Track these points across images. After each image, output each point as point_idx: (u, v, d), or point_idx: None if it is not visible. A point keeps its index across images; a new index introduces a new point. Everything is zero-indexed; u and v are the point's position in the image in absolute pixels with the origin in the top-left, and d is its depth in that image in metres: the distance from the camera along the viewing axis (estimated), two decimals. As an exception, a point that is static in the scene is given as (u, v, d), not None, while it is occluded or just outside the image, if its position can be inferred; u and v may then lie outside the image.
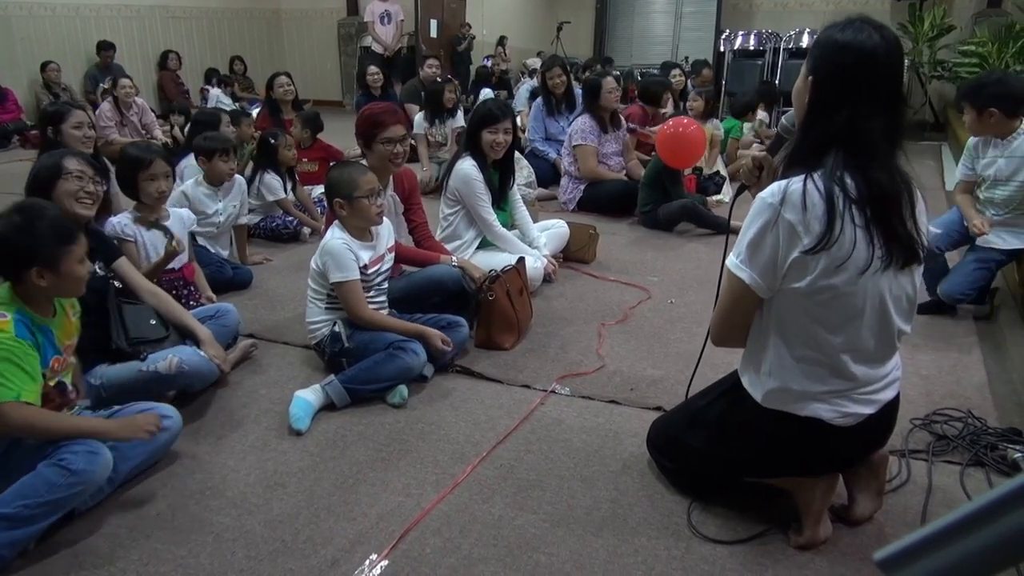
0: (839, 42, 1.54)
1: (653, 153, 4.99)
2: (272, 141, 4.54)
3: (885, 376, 1.70)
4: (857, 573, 1.75)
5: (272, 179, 4.49)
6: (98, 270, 2.41)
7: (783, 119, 1.81)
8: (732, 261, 1.64)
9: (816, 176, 1.53)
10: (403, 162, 3.04)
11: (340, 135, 7.28)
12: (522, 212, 3.79)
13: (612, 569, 1.75)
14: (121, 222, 2.95)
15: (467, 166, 3.40)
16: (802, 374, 1.65)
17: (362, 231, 2.68)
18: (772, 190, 1.56)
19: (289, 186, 4.66)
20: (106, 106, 6.56)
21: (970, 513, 0.60)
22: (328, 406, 2.49)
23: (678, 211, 4.70)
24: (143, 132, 6.70)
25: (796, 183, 1.53)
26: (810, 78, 1.58)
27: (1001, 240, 3.13)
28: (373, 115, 2.96)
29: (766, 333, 1.69)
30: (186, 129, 6.86)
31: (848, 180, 1.52)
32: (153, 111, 7.37)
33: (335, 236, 2.62)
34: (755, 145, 5.84)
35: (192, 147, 3.66)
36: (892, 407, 1.76)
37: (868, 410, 1.67)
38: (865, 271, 1.54)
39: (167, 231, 2.98)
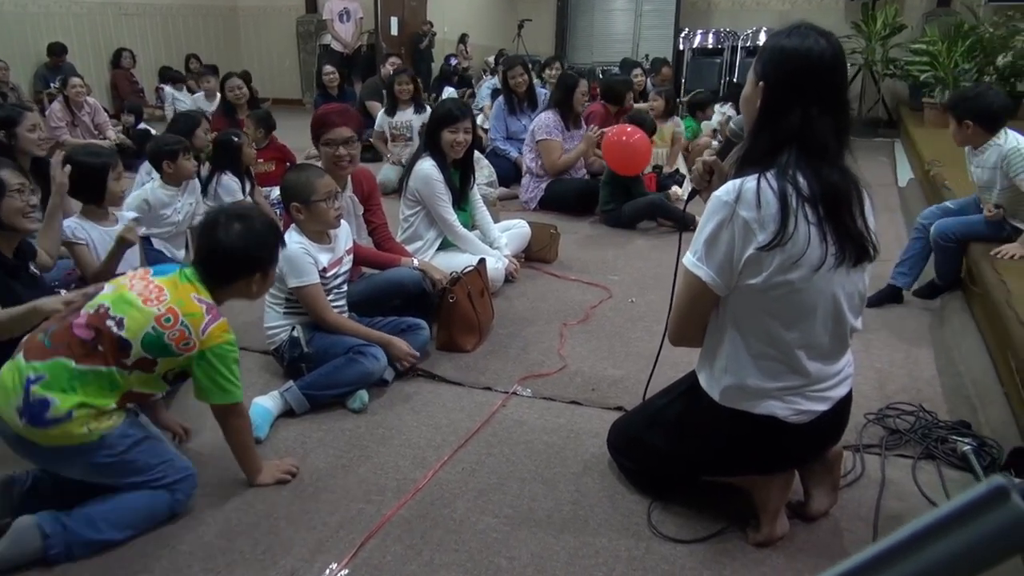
0: (786, 49, 1.57)
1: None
2: (235, 140, 4.47)
3: (838, 373, 1.73)
4: (813, 568, 1.78)
5: (230, 181, 4.40)
6: (34, 269, 2.36)
7: (731, 123, 1.85)
8: (689, 259, 1.66)
9: (769, 175, 1.56)
10: (349, 165, 2.97)
11: (299, 133, 7.20)
12: (482, 212, 3.79)
13: (573, 571, 1.76)
14: (71, 225, 2.88)
15: (427, 166, 3.38)
16: (757, 370, 1.67)
17: (320, 234, 2.65)
18: (727, 188, 1.59)
19: (247, 188, 4.59)
20: (56, 106, 6.39)
21: (896, 544, 0.61)
22: (287, 412, 2.46)
23: (645, 207, 4.77)
24: (95, 132, 6.54)
25: (750, 181, 1.56)
26: (760, 84, 1.60)
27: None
28: (323, 115, 2.93)
29: (722, 330, 1.71)
30: (131, 130, 6.77)
31: (800, 179, 1.55)
32: (106, 110, 7.20)
33: (292, 241, 2.59)
34: (706, 151, 5.92)
35: (150, 153, 3.57)
36: (845, 404, 1.80)
37: (822, 407, 1.71)
38: (819, 268, 1.57)
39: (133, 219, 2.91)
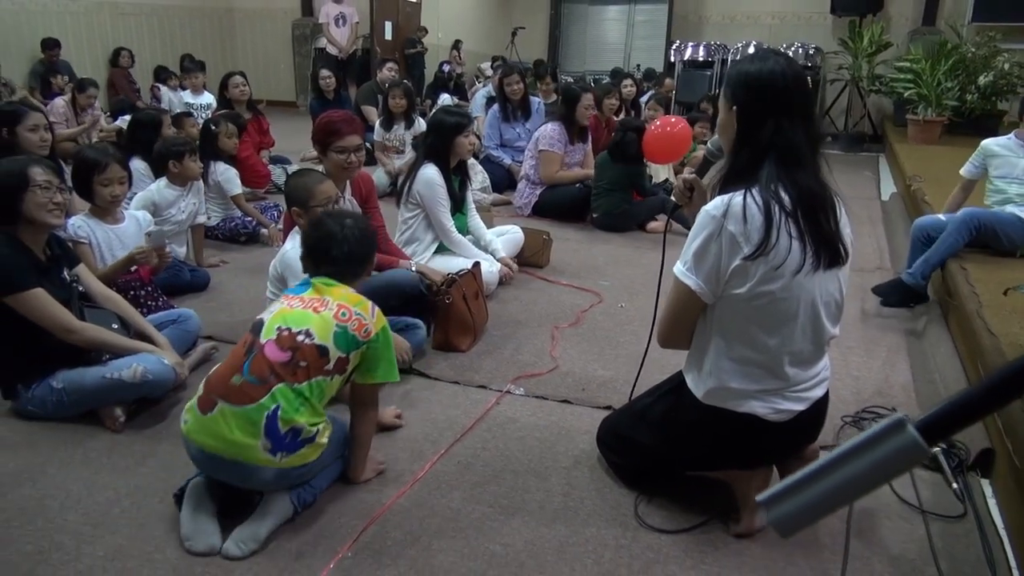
0: (750, 72, 1.73)
1: (600, 157, 5.14)
2: (213, 128, 4.52)
3: (815, 376, 1.85)
4: (789, 557, 1.89)
5: (228, 170, 4.46)
6: (67, 276, 2.43)
7: (708, 143, 1.99)
8: (679, 269, 1.78)
9: (754, 191, 1.68)
10: (357, 170, 3.12)
11: (294, 136, 7.32)
12: (476, 218, 3.90)
13: (564, 557, 1.86)
14: (75, 223, 2.96)
15: (431, 172, 3.50)
16: (740, 374, 1.79)
17: None
18: (716, 204, 1.71)
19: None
20: (60, 102, 6.47)
21: (825, 463, 0.85)
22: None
23: (659, 205, 5.07)
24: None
25: (737, 197, 1.68)
26: (733, 108, 1.75)
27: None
28: (331, 123, 3.02)
29: (708, 336, 1.83)
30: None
31: (782, 192, 1.68)
32: (103, 110, 7.29)
33: (295, 245, 2.67)
34: (686, 169, 6.11)
35: (157, 154, 3.65)
36: (822, 404, 1.91)
37: (799, 407, 1.82)
38: (798, 272, 1.69)
39: (159, 236, 2.99)
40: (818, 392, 1.87)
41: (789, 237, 1.67)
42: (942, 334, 3.18)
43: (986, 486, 2.22)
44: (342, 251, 2.06)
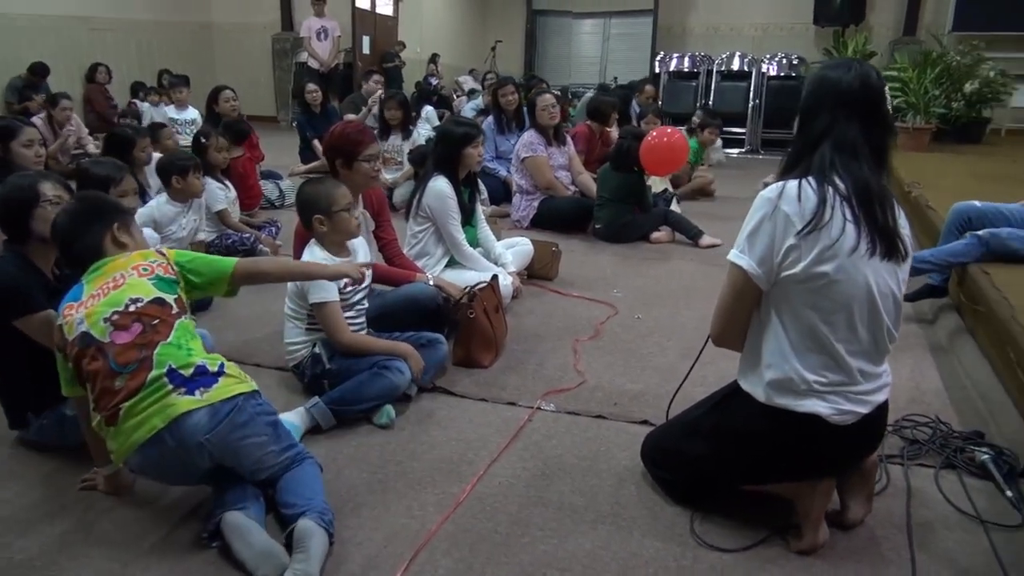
0: (817, 73, 1.85)
1: (603, 169, 5.10)
2: (203, 141, 4.38)
3: (879, 377, 1.80)
4: (857, 573, 1.83)
5: (215, 187, 4.31)
6: None
7: None
8: (732, 253, 1.79)
9: (809, 178, 1.72)
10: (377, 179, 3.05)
11: (275, 151, 7.19)
12: (485, 230, 3.83)
13: (626, 582, 1.78)
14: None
15: (441, 184, 3.41)
16: (800, 363, 1.74)
17: (340, 247, 2.65)
18: (770, 189, 1.75)
19: (232, 196, 4.52)
20: (38, 122, 6.28)
21: None
22: (314, 429, 2.44)
23: (661, 217, 5.06)
24: (76, 149, 6.45)
25: (792, 182, 1.72)
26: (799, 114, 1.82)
27: None
28: (352, 133, 2.95)
29: (764, 327, 1.80)
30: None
31: (837, 179, 1.71)
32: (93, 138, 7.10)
33: (315, 256, 2.58)
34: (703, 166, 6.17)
35: (161, 168, 3.53)
36: (883, 411, 1.86)
37: (863, 410, 1.77)
38: (853, 252, 1.68)
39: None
40: (880, 397, 1.82)
41: (843, 218, 1.68)
42: (966, 340, 3.16)
43: (1038, 493, 2.17)
44: (73, 238, 2.00)
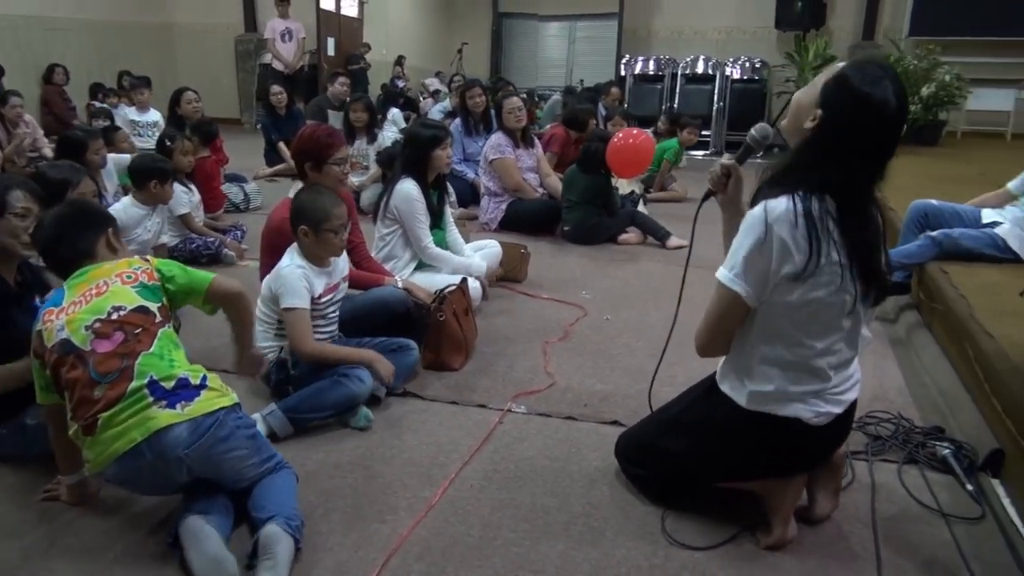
0: (859, 95, 1.59)
1: (569, 170, 5.13)
2: (168, 143, 4.32)
3: (851, 377, 1.84)
4: (824, 568, 1.86)
5: (179, 190, 4.22)
6: (38, 303, 2.25)
7: (752, 130, 1.86)
8: (725, 275, 1.73)
9: (799, 195, 1.64)
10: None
11: (239, 154, 7.09)
12: (454, 232, 3.82)
13: (598, 582, 1.79)
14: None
15: (409, 186, 3.40)
16: (783, 377, 1.76)
17: (320, 258, 2.61)
18: (761, 208, 1.66)
19: (196, 199, 4.46)
20: (-12, 123, 6.13)
21: None
22: (271, 436, 2.39)
23: (627, 219, 5.09)
24: (32, 151, 6.29)
25: (784, 201, 1.64)
26: (819, 112, 1.65)
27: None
28: (323, 136, 2.92)
29: (749, 339, 1.80)
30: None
31: (828, 201, 1.64)
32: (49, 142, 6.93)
33: (294, 263, 2.54)
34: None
35: (138, 169, 3.45)
36: (853, 407, 1.91)
37: (838, 409, 1.81)
38: (845, 277, 1.67)
39: None
40: (852, 395, 1.86)
41: (839, 267, 1.65)
42: (925, 338, 3.23)
43: (996, 486, 2.23)
44: (61, 242, 1.98)
